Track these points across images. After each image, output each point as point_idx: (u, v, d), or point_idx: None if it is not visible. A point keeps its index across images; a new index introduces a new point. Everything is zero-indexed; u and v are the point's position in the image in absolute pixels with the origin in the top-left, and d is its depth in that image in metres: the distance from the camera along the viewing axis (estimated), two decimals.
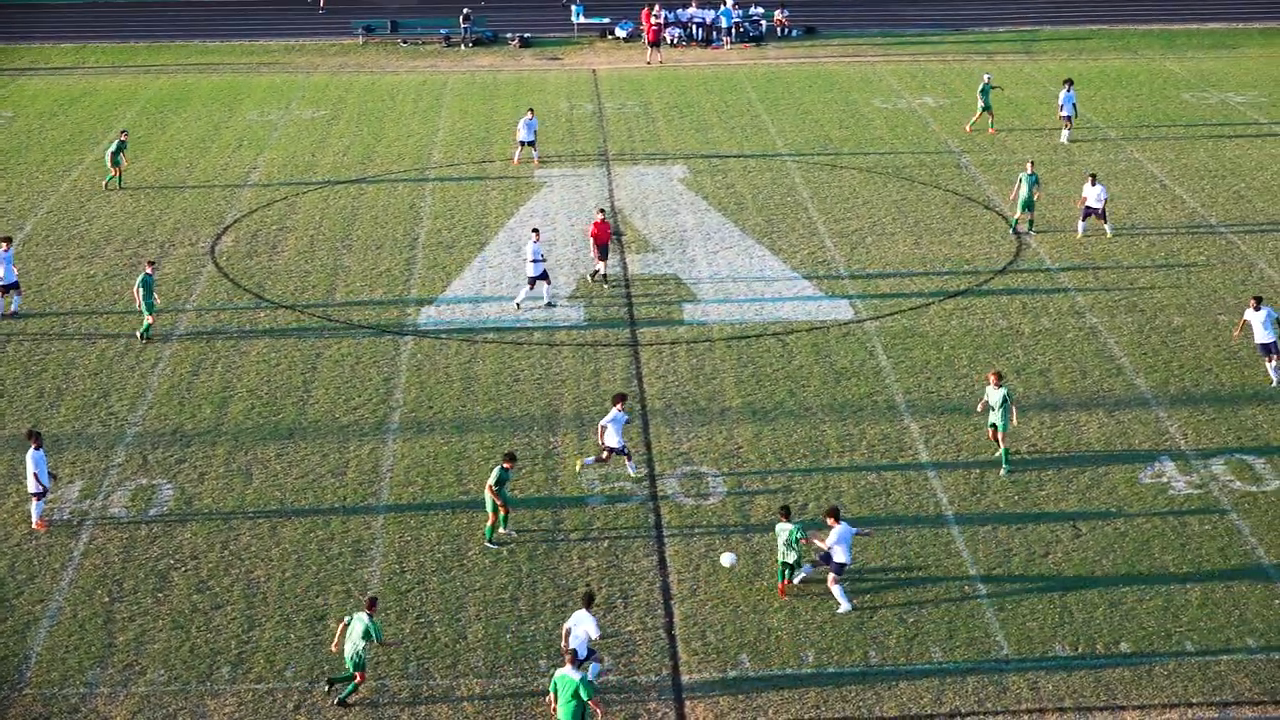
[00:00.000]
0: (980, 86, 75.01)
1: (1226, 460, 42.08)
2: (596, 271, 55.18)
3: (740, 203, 64.10)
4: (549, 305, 52.90)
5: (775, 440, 43.37)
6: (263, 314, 52.54)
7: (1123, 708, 32.06)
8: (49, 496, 39.87)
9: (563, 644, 32.91)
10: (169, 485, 41.23)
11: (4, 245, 52.05)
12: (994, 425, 41.67)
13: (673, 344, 49.90)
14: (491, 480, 37.90)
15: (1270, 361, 46.41)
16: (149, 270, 50.45)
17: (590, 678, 32.34)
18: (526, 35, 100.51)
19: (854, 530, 36.04)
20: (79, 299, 53.95)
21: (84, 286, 55.11)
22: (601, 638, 33.37)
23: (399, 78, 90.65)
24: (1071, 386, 46.52)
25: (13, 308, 52.19)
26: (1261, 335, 46.25)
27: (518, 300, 53.02)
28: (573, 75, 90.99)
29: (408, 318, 52.22)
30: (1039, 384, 46.55)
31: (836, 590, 35.62)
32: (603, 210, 57.65)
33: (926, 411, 45.06)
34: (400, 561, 37.49)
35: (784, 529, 35.84)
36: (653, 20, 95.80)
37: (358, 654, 32.21)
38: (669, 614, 35.38)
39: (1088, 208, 58.87)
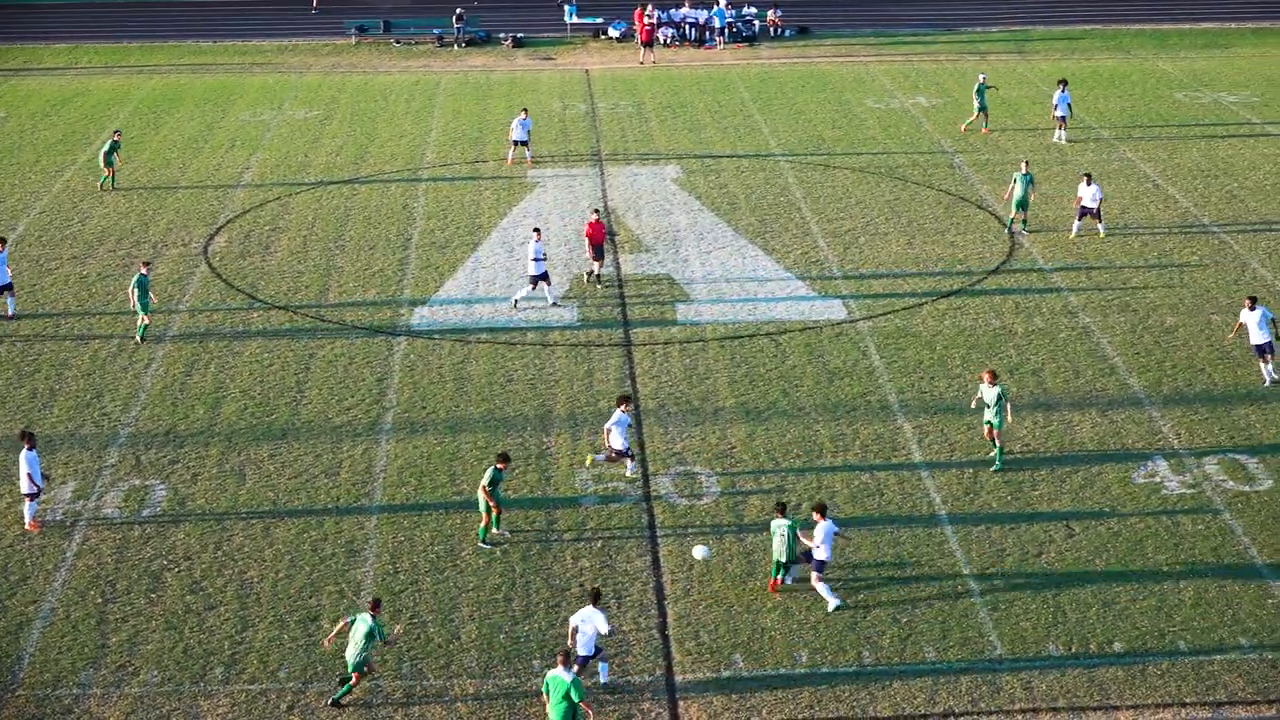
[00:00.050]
0: (975, 87, 75.00)
1: (1219, 460, 42.11)
2: (592, 272, 55.15)
3: (733, 203, 64.11)
4: (554, 305, 52.85)
5: (768, 440, 43.37)
6: (256, 314, 52.52)
7: (1116, 707, 32.08)
8: (42, 497, 39.83)
9: (569, 641, 32.90)
10: (162, 486, 41.20)
11: None
12: (989, 423, 41.74)
13: (666, 344, 49.90)
14: (485, 481, 37.90)
15: (1264, 362, 46.43)
16: (144, 271, 50.41)
17: (602, 679, 32.45)
18: (519, 35, 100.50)
19: (835, 529, 36.00)
20: (72, 299, 53.91)
21: (77, 287, 55.07)
22: (610, 634, 33.29)
23: (392, 78, 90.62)
24: (1064, 386, 46.54)
25: (9, 311, 52.09)
26: (1256, 336, 46.27)
27: (516, 298, 53.00)
28: (566, 75, 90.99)
29: (401, 318, 52.21)
30: (1032, 384, 46.57)
31: (822, 588, 35.63)
32: (597, 210, 57.64)
33: (920, 411, 45.08)
34: (394, 562, 37.48)
35: (780, 525, 35.88)
36: (645, 20, 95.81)
37: (362, 656, 32.19)
38: (662, 614, 35.38)
39: (1083, 207, 58.91)
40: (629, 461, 41.47)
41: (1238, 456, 42.29)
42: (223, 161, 71.24)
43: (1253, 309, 46.30)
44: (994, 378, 41.90)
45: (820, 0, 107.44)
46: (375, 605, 32.65)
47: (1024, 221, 59.64)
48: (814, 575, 35.75)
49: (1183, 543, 38.05)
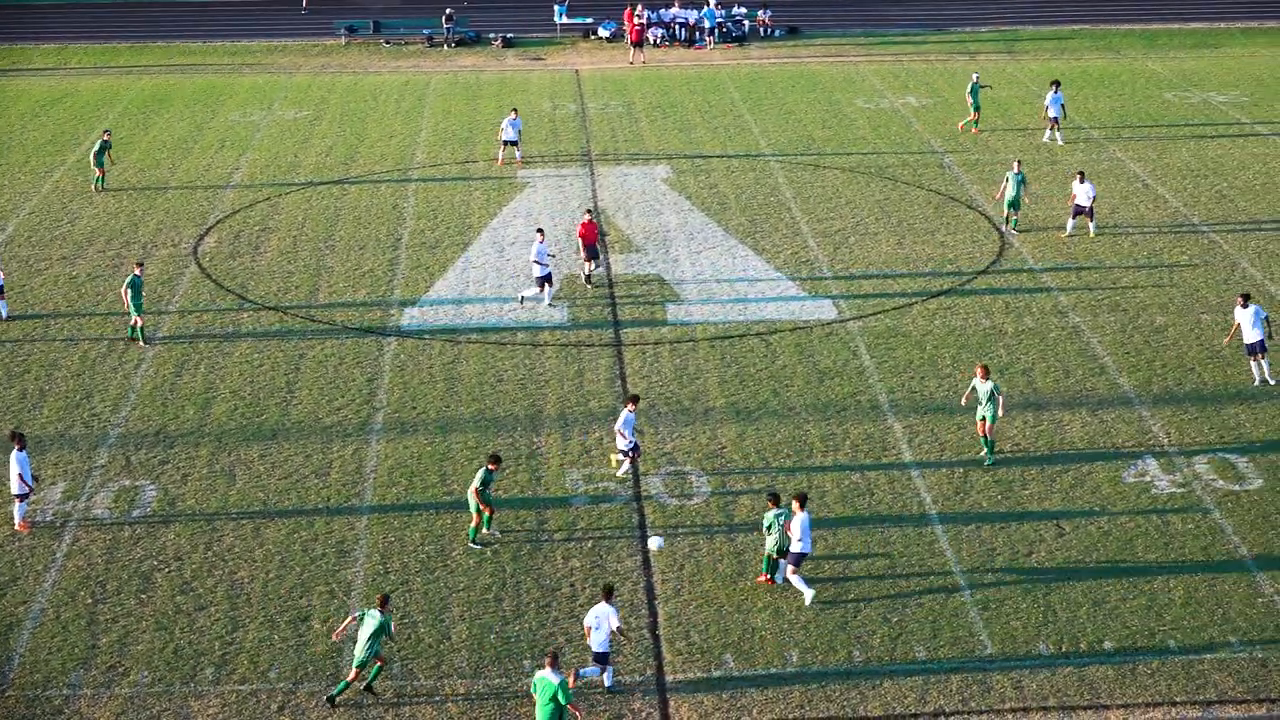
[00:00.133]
0: (970, 86, 75.01)
1: (1209, 459, 42.16)
2: (591, 274, 55.04)
3: (723, 203, 64.12)
4: (548, 305, 52.83)
5: (759, 440, 43.38)
6: (245, 314, 52.47)
7: (1106, 707, 32.10)
8: (32, 498, 39.77)
9: (586, 639, 32.91)
10: (152, 486, 41.16)
11: None
12: (984, 418, 41.83)
13: (656, 344, 49.90)
14: (476, 483, 37.86)
15: (1255, 361, 46.45)
16: (137, 272, 50.30)
17: (609, 684, 32.45)
18: (509, 35, 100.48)
19: (809, 520, 36.02)
20: (61, 300, 53.85)
21: (66, 288, 55.01)
22: (618, 631, 33.22)
23: (382, 78, 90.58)
24: (1054, 386, 46.57)
25: (3, 314, 52.01)
26: (1250, 334, 46.24)
27: (522, 295, 52.91)
28: (556, 75, 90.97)
29: (391, 318, 52.18)
30: (1022, 383, 46.60)
31: (796, 580, 35.67)
32: (590, 211, 57.63)
33: (910, 411, 45.09)
34: (384, 562, 37.46)
35: (768, 515, 35.96)
36: (635, 20, 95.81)
37: (368, 652, 32.17)
38: (653, 614, 35.37)
39: (1077, 206, 58.95)
40: (625, 461, 41.46)
41: (1227, 456, 42.34)
42: (212, 162, 71.19)
43: (1245, 306, 46.32)
44: (986, 373, 42.06)
45: (810, 0, 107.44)
46: (384, 601, 32.68)
47: (1014, 221, 59.68)
48: (789, 568, 35.77)
49: (1173, 542, 38.09)
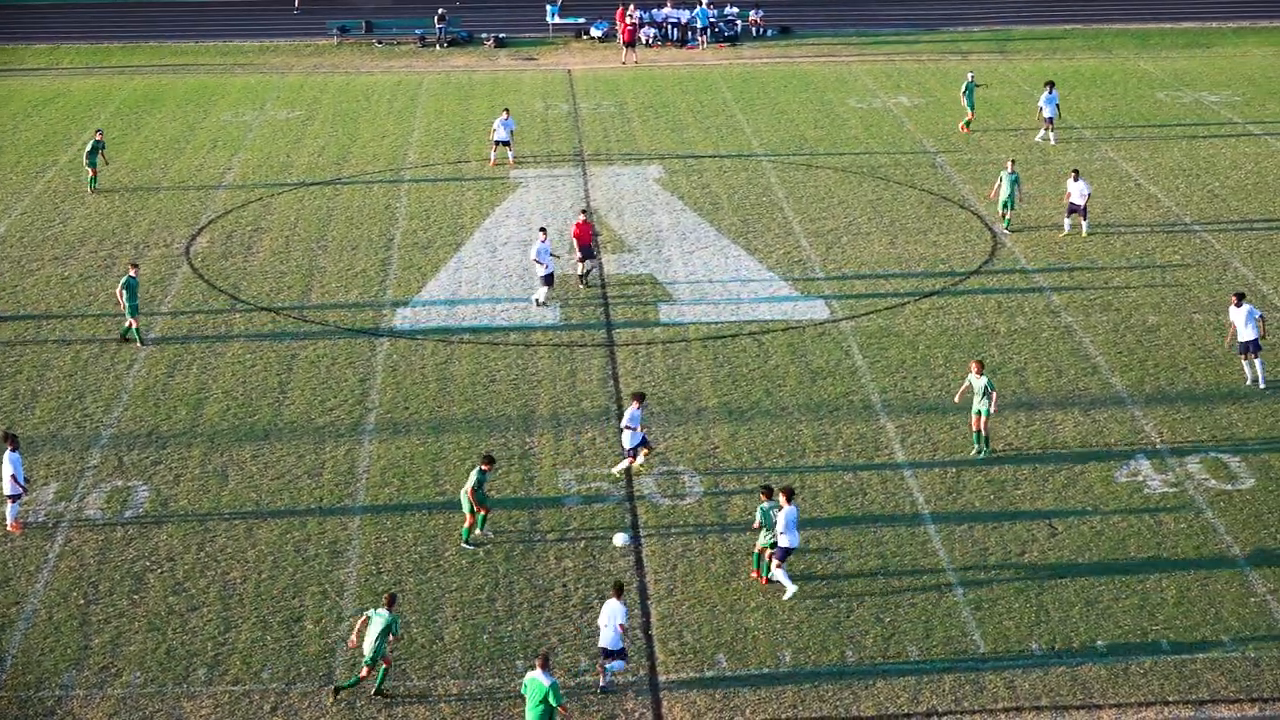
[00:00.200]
0: (964, 85, 75.01)
1: (1201, 459, 42.18)
2: (588, 274, 55.01)
3: (716, 203, 64.13)
4: (535, 303, 52.82)
5: (751, 440, 43.39)
6: (238, 315, 52.44)
7: (1099, 706, 32.12)
8: (24, 499, 39.73)
9: (600, 638, 33.02)
10: (144, 487, 41.13)
11: None
12: (979, 412, 41.91)
13: (649, 344, 49.90)
14: (470, 484, 37.83)
15: (1248, 360, 46.45)
16: (132, 273, 50.19)
17: (603, 683, 32.55)
18: (501, 35, 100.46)
19: (796, 513, 36.05)
20: (53, 301, 53.81)
21: (59, 288, 54.97)
22: (626, 624, 33.22)
23: (374, 78, 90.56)
24: (1047, 385, 46.60)
25: None
26: (1245, 333, 46.21)
27: (535, 298, 52.87)
28: (548, 75, 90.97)
29: (383, 319, 52.16)
30: (1015, 383, 46.62)
31: (779, 574, 35.71)
32: (585, 211, 57.63)
33: (902, 411, 45.11)
34: (377, 563, 37.45)
35: (759, 508, 36.10)
36: (628, 20, 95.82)
37: (375, 651, 32.20)
38: (646, 614, 35.37)
39: (1072, 204, 58.99)
40: (625, 460, 41.44)
41: (1220, 455, 42.37)
42: (204, 162, 71.15)
43: (1239, 306, 46.32)
44: (981, 368, 42.25)
45: (802, 0, 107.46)
46: (391, 600, 32.70)
47: (1008, 220, 59.71)
48: (774, 562, 35.81)
49: (1165, 541, 38.11)
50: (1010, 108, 79.50)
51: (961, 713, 32.08)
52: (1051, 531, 38.60)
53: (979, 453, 42.26)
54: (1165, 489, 40.58)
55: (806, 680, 33.03)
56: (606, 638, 32.81)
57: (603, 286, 54.68)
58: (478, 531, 38.20)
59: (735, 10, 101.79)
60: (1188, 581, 36.42)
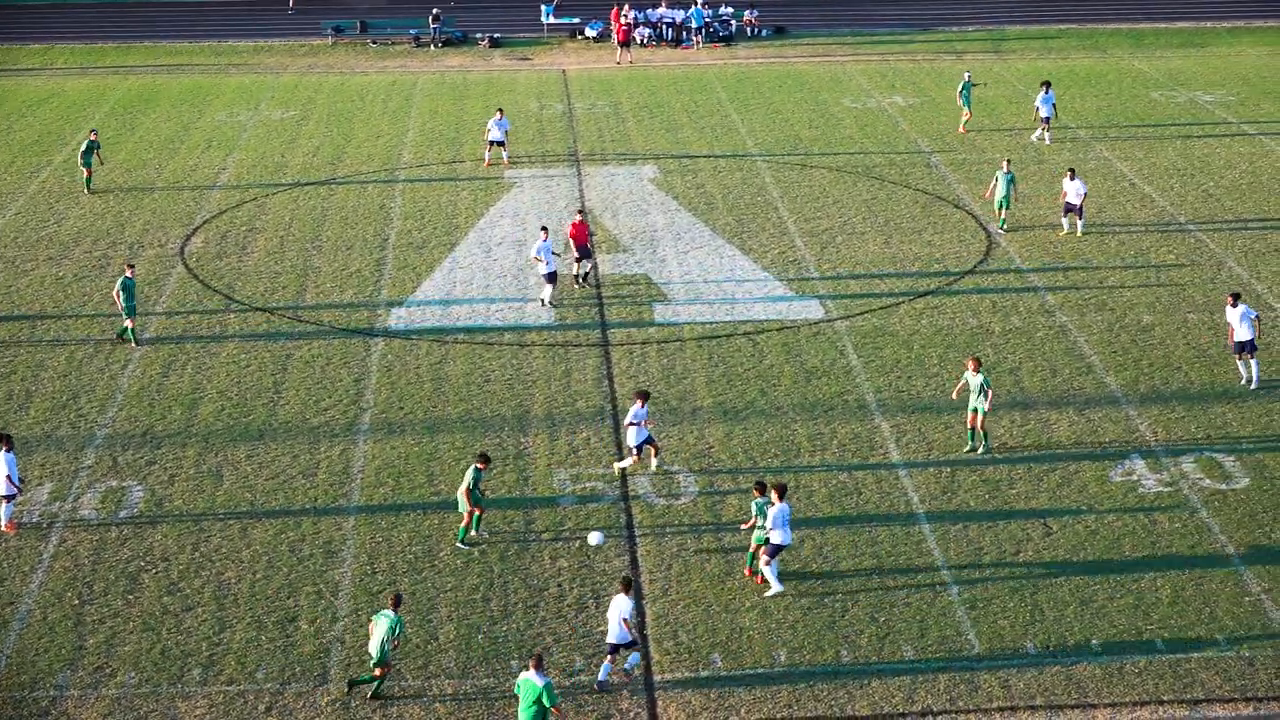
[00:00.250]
0: (960, 85, 74.99)
1: (1196, 458, 42.20)
2: (587, 274, 54.96)
3: (710, 203, 64.13)
4: (541, 304, 52.76)
5: (746, 440, 43.39)
6: (233, 315, 52.41)
7: (1094, 706, 32.13)
8: (19, 499, 39.70)
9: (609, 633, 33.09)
10: (139, 487, 41.11)
11: None
12: (975, 409, 41.96)
13: (643, 344, 49.89)
14: (466, 483, 37.82)
15: (1243, 360, 46.45)
16: (129, 273, 50.10)
17: (628, 667, 32.51)
18: (496, 35, 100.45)
19: (789, 511, 36.08)
20: (48, 301, 53.77)
21: (53, 288, 54.94)
22: (630, 618, 33.22)
23: (368, 78, 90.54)
24: (1041, 385, 46.61)
25: None
26: (1241, 333, 46.17)
27: (542, 298, 52.80)
28: (543, 75, 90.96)
29: (378, 319, 52.14)
30: (1009, 382, 46.62)
31: (768, 571, 35.74)
32: (581, 211, 57.62)
33: (897, 410, 45.11)
34: (371, 563, 37.43)
35: (756, 505, 36.16)
36: (622, 20, 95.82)
37: (383, 650, 32.20)
38: (641, 614, 35.33)
39: (1068, 204, 59.00)
40: (632, 456, 41.42)
41: (1214, 455, 42.38)
42: (199, 162, 71.12)
43: (1235, 306, 46.29)
44: (978, 365, 42.30)
45: (797, 0, 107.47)
46: (396, 601, 32.70)
47: (1003, 220, 59.73)
48: (764, 558, 35.84)
49: (1160, 541, 38.13)
50: (1005, 107, 79.51)
51: (956, 712, 32.08)
52: (1046, 531, 38.61)
53: (972, 450, 42.31)
54: (1160, 488, 40.59)
55: (801, 680, 33.04)
56: (614, 633, 32.84)
57: (597, 286, 54.68)
58: (473, 533, 38.18)
59: (730, 10, 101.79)
60: (1182, 581, 36.44)
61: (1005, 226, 59.64)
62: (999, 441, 42.98)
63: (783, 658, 33.77)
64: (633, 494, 40.53)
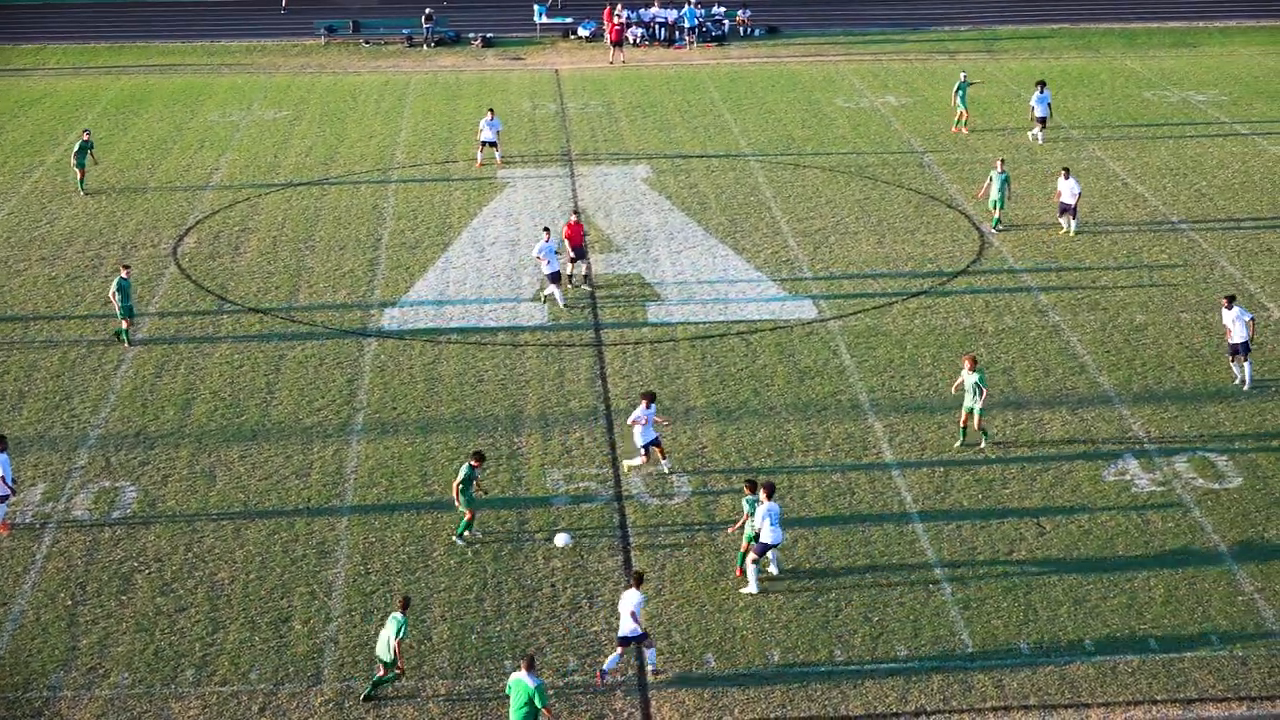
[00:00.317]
0: (956, 85, 75.01)
1: (1189, 458, 42.23)
2: (586, 275, 54.90)
3: (704, 202, 64.13)
4: (544, 301, 52.73)
5: (739, 439, 43.39)
6: (226, 316, 52.38)
7: (1087, 705, 32.14)
8: (12, 499, 39.66)
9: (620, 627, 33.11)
10: (132, 487, 41.08)
11: None
12: (970, 409, 42.00)
13: (637, 344, 49.89)
14: (459, 478, 37.82)
15: (1236, 361, 46.44)
16: (124, 274, 50.02)
17: (650, 665, 32.53)
18: (489, 35, 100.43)
19: (779, 510, 36.10)
20: (41, 301, 53.73)
21: (45, 289, 54.89)
22: (636, 612, 33.23)
23: (361, 78, 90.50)
24: (1035, 385, 46.63)
25: None
26: (1238, 334, 46.17)
27: (551, 294, 52.76)
28: (535, 75, 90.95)
29: (371, 319, 52.12)
30: (1002, 382, 46.64)
31: (751, 568, 35.77)
32: (576, 212, 57.59)
33: (890, 410, 45.13)
34: (365, 563, 37.41)
35: (747, 502, 36.22)
36: (615, 20, 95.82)
37: (389, 650, 32.22)
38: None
39: (1063, 204, 59.03)
40: (639, 458, 41.41)
41: (1207, 454, 42.41)
42: (192, 162, 71.08)
43: (1230, 308, 46.29)
44: (974, 363, 42.32)
45: (789, 0, 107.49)
46: (404, 604, 32.69)
47: (996, 220, 59.76)
48: (750, 555, 35.88)
49: (1153, 540, 38.15)
50: (998, 107, 79.55)
51: (950, 712, 32.10)
52: (1039, 530, 38.63)
53: (965, 446, 42.35)
54: (1153, 488, 40.63)
55: (795, 679, 33.04)
56: (625, 626, 32.84)
57: (594, 287, 54.63)
58: (467, 534, 38.17)
59: (722, 10, 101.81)
60: (1175, 580, 36.46)
61: (999, 227, 59.66)
62: (991, 441, 42.98)
63: (776, 657, 33.77)
64: (626, 494, 40.53)
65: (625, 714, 32.14)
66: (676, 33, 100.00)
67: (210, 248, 59.07)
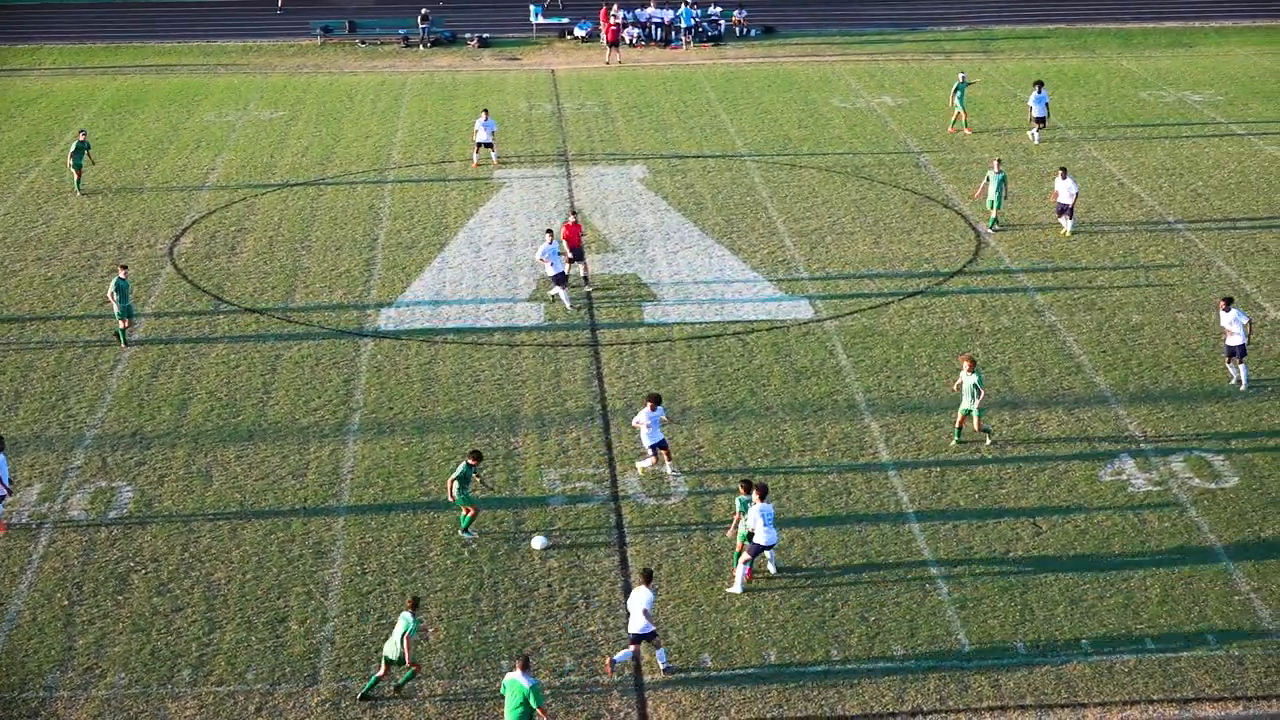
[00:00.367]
0: (955, 85, 75.00)
1: (1185, 457, 42.24)
2: (585, 276, 54.88)
3: (700, 203, 64.13)
4: (552, 301, 52.75)
5: (736, 439, 43.39)
6: (222, 316, 52.36)
7: (1084, 705, 32.16)
8: (8, 499, 39.65)
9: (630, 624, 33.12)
10: (128, 487, 41.07)
11: None
12: (966, 411, 42.02)
13: (633, 344, 49.89)
14: (454, 475, 37.83)
15: (1233, 363, 46.43)
16: (122, 274, 49.95)
17: (662, 663, 32.58)
18: (485, 35, 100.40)
19: (772, 511, 36.12)
20: (37, 301, 53.70)
21: (42, 289, 54.87)
22: (647, 610, 33.25)
23: (357, 78, 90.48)
24: (1031, 384, 46.65)
25: None
26: (1235, 336, 46.14)
27: (557, 294, 52.76)
28: (532, 75, 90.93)
29: (368, 319, 52.11)
30: (999, 382, 46.65)
31: (740, 568, 35.80)
32: (574, 212, 57.59)
33: (886, 410, 45.14)
34: (361, 563, 37.41)
35: (740, 502, 36.23)
36: (611, 20, 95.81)
37: (400, 651, 32.21)
38: (630, 614, 35.32)
39: (1061, 204, 59.04)
40: (649, 459, 41.43)
41: (1203, 454, 42.43)
42: (188, 162, 71.06)
43: (1227, 310, 46.29)
44: (973, 365, 42.30)
45: (786, 0, 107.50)
46: (414, 604, 32.68)
47: (992, 220, 59.77)
48: (743, 554, 35.89)
49: (1149, 540, 38.17)
50: (994, 107, 79.57)
51: (946, 711, 32.11)
52: (1036, 530, 38.64)
53: (961, 444, 42.38)
54: (1149, 487, 40.64)
55: (791, 679, 33.05)
56: (635, 624, 32.86)
57: (592, 289, 54.60)
58: (462, 533, 38.18)
59: (719, 10, 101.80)
60: (1172, 580, 36.48)
61: (996, 227, 59.68)
62: (994, 440, 43.02)
63: (772, 657, 33.78)
64: (622, 494, 40.54)
65: (621, 714, 32.15)
66: (673, 33, 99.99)
67: (206, 248, 59.05)
